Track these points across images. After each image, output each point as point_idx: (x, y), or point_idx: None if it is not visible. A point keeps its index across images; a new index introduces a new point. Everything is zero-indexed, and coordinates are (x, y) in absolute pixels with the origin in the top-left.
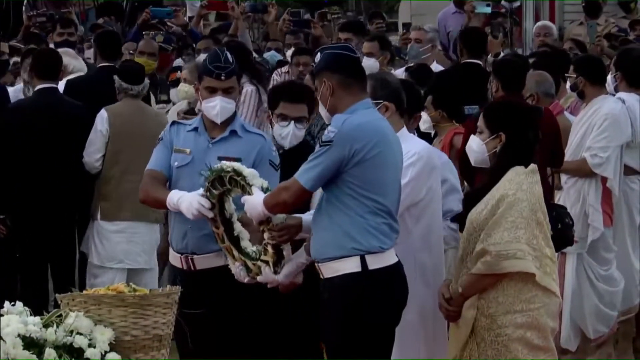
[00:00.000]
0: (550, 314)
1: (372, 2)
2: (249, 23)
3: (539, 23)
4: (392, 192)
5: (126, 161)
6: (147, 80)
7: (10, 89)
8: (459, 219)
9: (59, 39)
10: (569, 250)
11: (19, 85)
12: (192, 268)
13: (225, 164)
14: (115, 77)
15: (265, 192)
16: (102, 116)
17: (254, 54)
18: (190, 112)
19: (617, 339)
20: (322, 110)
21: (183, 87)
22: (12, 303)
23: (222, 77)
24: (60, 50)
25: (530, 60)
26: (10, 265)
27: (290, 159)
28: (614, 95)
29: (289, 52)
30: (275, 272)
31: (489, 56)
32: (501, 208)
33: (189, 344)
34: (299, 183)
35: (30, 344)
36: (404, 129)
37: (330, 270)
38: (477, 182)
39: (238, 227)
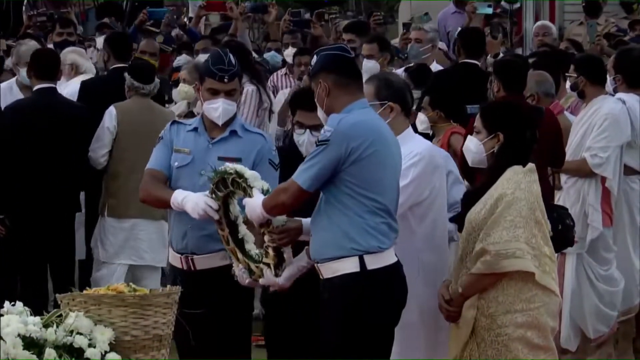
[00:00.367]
0: (551, 313)
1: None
2: (249, 23)
3: (538, 23)
4: (390, 191)
5: (133, 159)
6: (157, 80)
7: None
8: (458, 219)
9: (58, 39)
10: (569, 250)
11: (8, 82)
12: (192, 268)
13: (229, 165)
14: (126, 75)
15: (265, 195)
16: (111, 113)
17: (254, 54)
18: (190, 114)
19: (617, 339)
20: (319, 112)
21: (182, 87)
22: (12, 303)
23: (226, 80)
24: (70, 49)
25: (530, 61)
26: (10, 266)
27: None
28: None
29: (286, 52)
30: (277, 275)
31: (488, 56)
32: (500, 207)
33: (189, 344)
34: (296, 184)
35: (31, 344)
36: (409, 129)
37: (329, 270)
38: (478, 181)
39: (243, 229)
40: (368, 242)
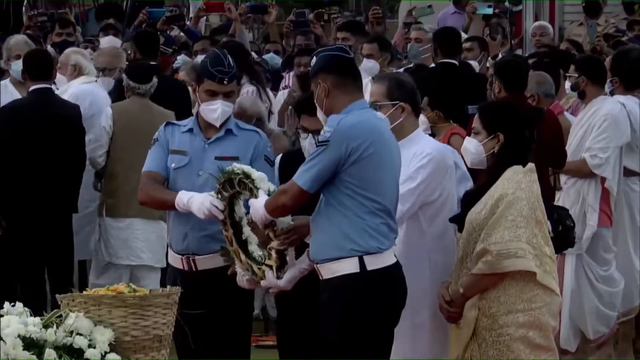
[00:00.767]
0: (552, 313)
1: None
2: (250, 24)
3: (535, 23)
4: (389, 192)
5: (131, 159)
6: (155, 79)
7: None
8: (458, 219)
9: (58, 39)
10: (569, 251)
11: (3, 82)
12: (194, 269)
13: (236, 166)
14: (124, 76)
15: (269, 196)
16: (107, 113)
17: (254, 55)
18: None
19: (617, 340)
20: (319, 113)
21: None
22: (12, 304)
23: (225, 82)
24: (74, 49)
25: (530, 61)
26: (9, 266)
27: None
28: None
29: None
30: (278, 277)
31: (488, 57)
32: (501, 207)
33: (188, 345)
34: (297, 185)
35: (30, 344)
36: (419, 130)
37: (329, 271)
38: (479, 180)
39: (247, 230)
40: (368, 242)
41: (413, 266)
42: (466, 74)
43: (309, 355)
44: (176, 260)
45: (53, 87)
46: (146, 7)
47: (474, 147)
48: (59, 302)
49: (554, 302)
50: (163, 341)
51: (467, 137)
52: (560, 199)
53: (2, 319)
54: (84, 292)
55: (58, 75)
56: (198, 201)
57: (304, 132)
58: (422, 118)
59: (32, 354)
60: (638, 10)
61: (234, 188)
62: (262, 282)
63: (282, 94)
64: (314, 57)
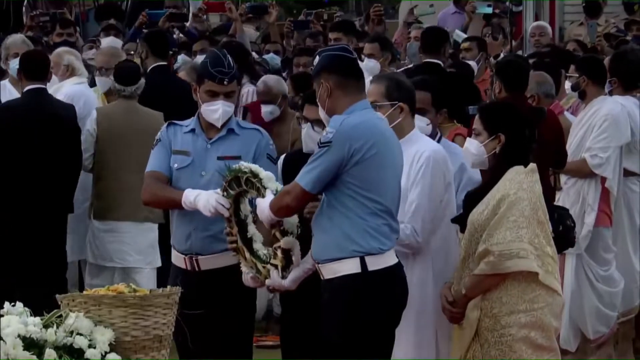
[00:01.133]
0: (554, 313)
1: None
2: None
3: (534, 23)
4: (391, 192)
5: (116, 161)
6: (142, 81)
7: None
8: (460, 220)
9: (59, 39)
10: (569, 251)
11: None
12: (197, 268)
13: (244, 164)
14: (110, 78)
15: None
16: (92, 116)
17: (255, 55)
18: None
19: (617, 340)
20: (320, 112)
21: None
22: (12, 304)
23: (226, 82)
24: (66, 49)
25: (530, 61)
26: (5, 266)
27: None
28: None
29: None
30: (283, 277)
31: (488, 57)
32: (502, 208)
33: (189, 345)
34: (299, 186)
35: (31, 344)
36: (416, 130)
37: (330, 271)
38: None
39: (252, 229)
40: (369, 243)
41: (419, 267)
42: (450, 74)
43: (312, 355)
44: (179, 260)
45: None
46: (146, 9)
47: (475, 148)
48: (59, 302)
49: (556, 302)
50: (163, 341)
51: (468, 139)
52: (560, 199)
53: (2, 319)
54: (84, 292)
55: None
56: (204, 199)
57: (304, 122)
58: (424, 119)
59: (32, 354)
60: (638, 11)
61: (240, 186)
62: (267, 281)
63: None
64: (317, 57)
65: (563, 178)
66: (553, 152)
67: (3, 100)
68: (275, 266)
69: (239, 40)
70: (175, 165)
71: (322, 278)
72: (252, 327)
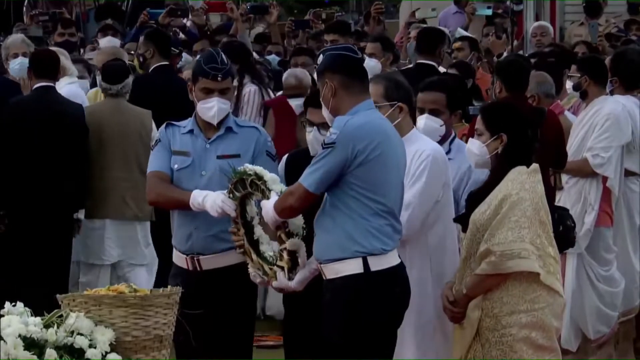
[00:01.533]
0: (555, 313)
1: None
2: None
3: (535, 23)
4: (394, 193)
5: (102, 160)
6: (128, 80)
7: None
8: (462, 219)
9: (60, 39)
10: (570, 251)
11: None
12: (198, 268)
13: (249, 167)
14: (99, 77)
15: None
16: None
17: (255, 55)
18: None
19: (618, 340)
20: (324, 112)
21: None
22: (13, 304)
23: (219, 78)
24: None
25: (532, 61)
26: (10, 265)
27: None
28: None
29: None
30: (290, 279)
31: (494, 57)
32: (504, 208)
33: (188, 345)
34: (303, 187)
35: (31, 344)
36: (415, 130)
37: (332, 271)
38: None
39: (258, 230)
40: (372, 244)
41: (417, 267)
42: (428, 74)
43: (315, 354)
44: (180, 260)
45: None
46: (147, 8)
47: (477, 149)
48: (60, 302)
49: (557, 303)
50: (164, 341)
51: (470, 139)
52: (561, 199)
53: (2, 318)
54: (85, 292)
55: None
56: (211, 199)
57: (309, 126)
58: (438, 120)
59: (33, 354)
60: None
61: (245, 189)
62: (274, 283)
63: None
64: (321, 55)
65: (564, 177)
66: (553, 152)
67: None
68: (282, 268)
69: (240, 40)
70: (176, 166)
71: (324, 278)
72: (253, 326)
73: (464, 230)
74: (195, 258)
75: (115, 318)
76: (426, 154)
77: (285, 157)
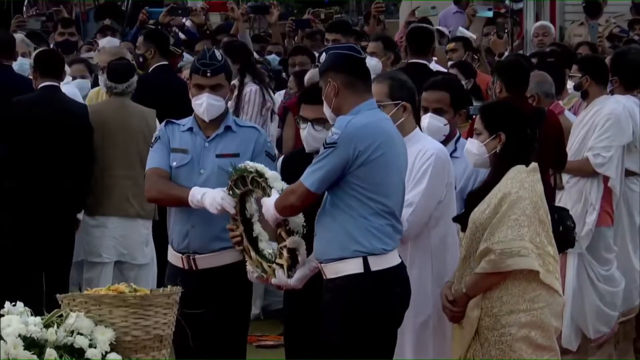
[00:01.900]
0: (554, 313)
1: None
2: (250, 24)
3: (537, 23)
4: (396, 193)
5: (105, 158)
6: (133, 79)
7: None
8: (461, 219)
9: (60, 38)
10: (570, 250)
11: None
12: (194, 268)
13: (249, 164)
14: (104, 75)
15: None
16: None
17: (256, 55)
18: None
19: (618, 340)
20: (326, 111)
21: None
22: (13, 303)
23: (208, 74)
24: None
25: (534, 60)
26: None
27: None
28: None
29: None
30: (289, 276)
31: (495, 56)
32: (504, 206)
33: (187, 344)
34: (304, 186)
35: (31, 344)
36: (418, 129)
37: (332, 271)
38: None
39: (258, 228)
40: (372, 243)
41: (418, 266)
42: (420, 74)
43: (315, 354)
44: (176, 259)
45: None
46: (146, 7)
47: (476, 148)
48: (60, 302)
49: (557, 302)
50: (164, 341)
51: (469, 139)
52: (562, 198)
53: (2, 318)
54: (85, 292)
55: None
56: (210, 196)
57: (303, 122)
58: (441, 119)
59: (33, 354)
60: None
61: (246, 186)
62: (273, 281)
63: (280, 95)
64: (324, 54)
65: (565, 177)
66: (553, 152)
67: None
68: (281, 265)
69: (241, 40)
70: (174, 163)
71: (324, 277)
72: (247, 325)
73: (463, 229)
74: (191, 257)
75: (115, 318)
76: (430, 154)
77: (281, 157)
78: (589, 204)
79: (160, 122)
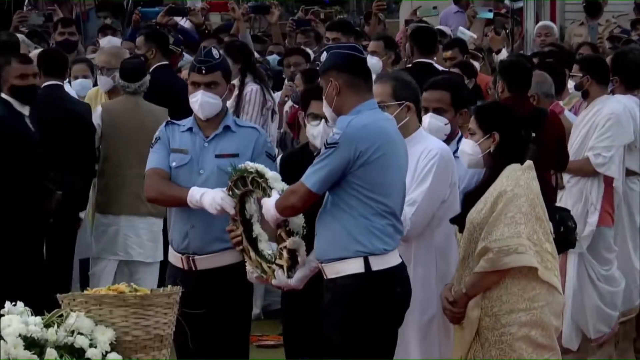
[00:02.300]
0: (554, 312)
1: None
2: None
3: (540, 23)
4: (396, 193)
5: (118, 156)
6: (146, 78)
7: None
8: (458, 220)
9: (60, 38)
10: (570, 250)
11: None
12: (193, 268)
13: (250, 164)
14: (116, 74)
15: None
16: (97, 112)
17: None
18: None
19: (618, 340)
20: (327, 110)
21: None
22: (13, 303)
23: (203, 71)
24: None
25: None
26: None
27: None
28: None
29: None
30: (289, 277)
31: (493, 53)
32: (500, 204)
33: (187, 344)
34: (305, 186)
35: (32, 344)
36: (421, 129)
37: (333, 270)
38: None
39: (257, 228)
40: (373, 243)
41: (422, 265)
42: (426, 73)
43: (315, 354)
44: (176, 259)
45: None
46: (139, 7)
47: (470, 148)
48: (60, 302)
49: (556, 301)
50: (164, 341)
51: (463, 139)
52: (563, 198)
53: (3, 318)
54: (85, 292)
55: None
56: (210, 197)
57: (314, 119)
58: (442, 118)
59: (33, 354)
60: None
61: (246, 186)
62: (273, 281)
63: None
64: (325, 53)
65: (566, 177)
66: (555, 153)
67: None
68: (281, 266)
69: (242, 40)
70: (174, 163)
71: (324, 277)
72: (249, 325)
73: (460, 230)
74: (190, 258)
75: (115, 318)
76: (433, 153)
77: (280, 157)
78: (590, 203)
79: None
